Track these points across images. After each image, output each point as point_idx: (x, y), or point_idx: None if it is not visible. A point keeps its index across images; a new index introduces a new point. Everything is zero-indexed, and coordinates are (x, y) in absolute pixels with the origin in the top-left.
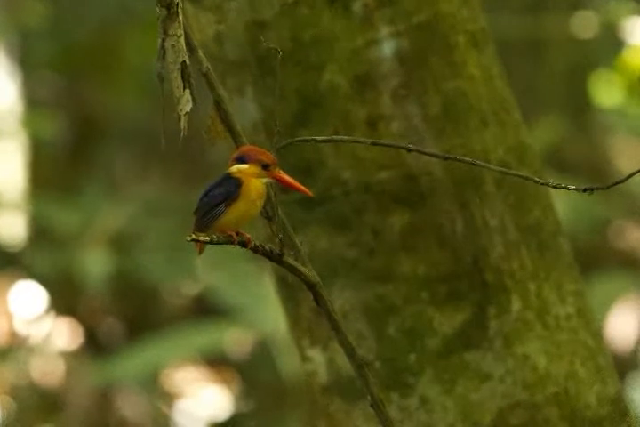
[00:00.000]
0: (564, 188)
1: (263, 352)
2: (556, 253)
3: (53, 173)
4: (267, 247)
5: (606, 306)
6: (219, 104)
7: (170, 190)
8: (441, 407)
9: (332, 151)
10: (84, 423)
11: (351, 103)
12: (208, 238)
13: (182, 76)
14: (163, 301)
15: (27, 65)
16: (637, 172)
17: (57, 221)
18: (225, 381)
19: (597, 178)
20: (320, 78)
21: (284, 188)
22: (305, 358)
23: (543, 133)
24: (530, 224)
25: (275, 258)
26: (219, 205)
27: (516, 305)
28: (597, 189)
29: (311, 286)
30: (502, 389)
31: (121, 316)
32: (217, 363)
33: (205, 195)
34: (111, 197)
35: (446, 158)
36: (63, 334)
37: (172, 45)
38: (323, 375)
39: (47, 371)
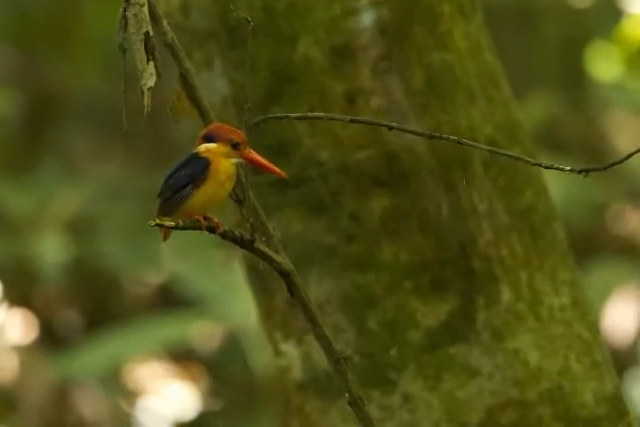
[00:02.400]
0: (558, 168)
1: (233, 346)
2: (550, 239)
3: (7, 152)
4: (236, 233)
5: (604, 296)
6: (184, 78)
7: (132, 172)
8: (425, 405)
9: (307, 129)
10: (40, 423)
11: (328, 77)
12: (173, 223)
13: (146, 49)
14: (124, 290)
15: None
16: (637, 151)
17: (10, 204)
18: (192, 377)
19: (594, 158)
20: (294, 51)
21: (256, 169)
22: (278, 353)
23: (536, 110)
24: (521, 208)
25: (245, 244)
26: (185, 187)
27: (505, 295)
28: (594, 170)
29: (285, 275)
30: (491, 386)
31: (79, 306)
32: (183, 358)
33: (170, 176)
34: (69, 179)
35: (431, 137)
36: (17, 327)
37: (135, 15)
38: (297, 371)
39: None
